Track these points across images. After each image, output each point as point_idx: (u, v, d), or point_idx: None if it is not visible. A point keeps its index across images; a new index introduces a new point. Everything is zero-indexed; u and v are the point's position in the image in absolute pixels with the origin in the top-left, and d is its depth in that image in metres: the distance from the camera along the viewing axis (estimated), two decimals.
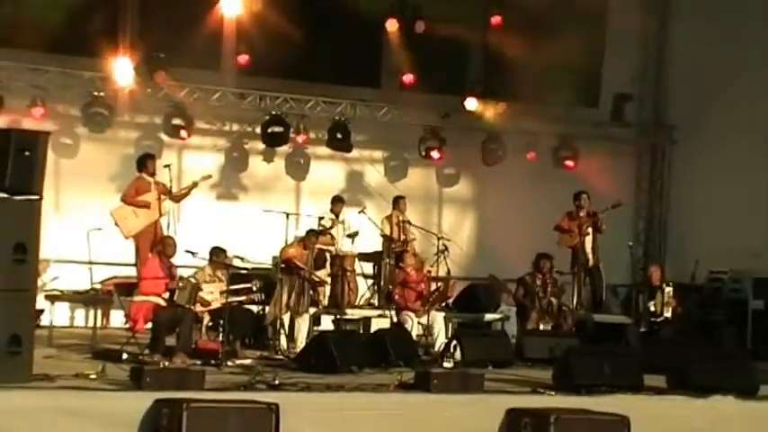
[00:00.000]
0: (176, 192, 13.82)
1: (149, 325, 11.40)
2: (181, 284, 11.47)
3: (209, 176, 14.77)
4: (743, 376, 10.50)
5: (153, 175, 13.64)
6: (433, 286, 14.08)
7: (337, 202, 15.13)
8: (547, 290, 14.14)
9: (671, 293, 14.09)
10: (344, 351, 10.71)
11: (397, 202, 15.50)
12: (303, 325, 12.69)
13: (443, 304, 14.30)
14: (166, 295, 11.48)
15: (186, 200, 14.08)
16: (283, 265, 12.60)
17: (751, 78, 17.10)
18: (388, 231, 15.15)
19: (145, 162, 13.72)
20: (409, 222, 15.35)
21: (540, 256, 14.30)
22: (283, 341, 12.36)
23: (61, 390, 8.41)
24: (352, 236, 14.91)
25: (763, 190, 16.62)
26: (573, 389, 9.78)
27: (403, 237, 15.16)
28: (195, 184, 14.06)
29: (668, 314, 14.00)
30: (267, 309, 12.49)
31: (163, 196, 13.48)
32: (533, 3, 17.18)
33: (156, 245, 12.49)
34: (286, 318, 12.50)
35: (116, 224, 13.29)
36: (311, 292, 12.88)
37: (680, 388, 10.18)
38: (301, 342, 12.42)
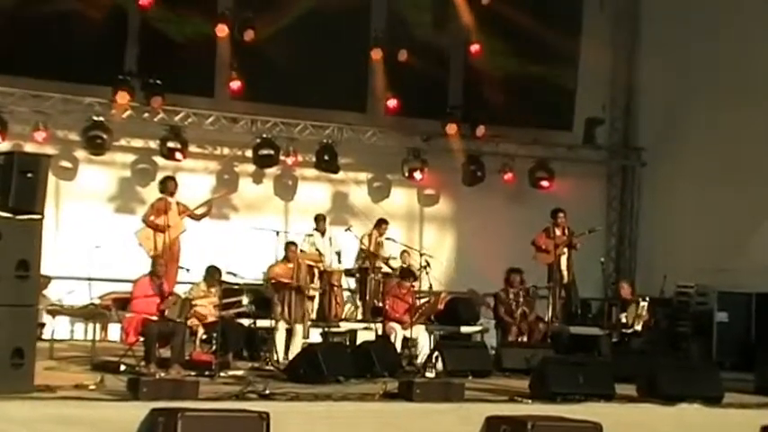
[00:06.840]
0: (195, 210, 13.65)
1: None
2: (171, 299, 11.41)
3: (225, 194, 15.56)
4: (708, 385, 10.51)
5: (173, 195, 13.52)
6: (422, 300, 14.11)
7: (320, 220, 14.95)
8: (519, 301, 14.24)
9: (645, 307, 14.04)
10: (332, 362, 10.68)
11: (379, 224, 15.46)
12: (298, 335, 12.70)
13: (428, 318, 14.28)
14: None
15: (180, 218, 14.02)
16: (272, 283, 12.68)
17: (716, 103, 17.19)
18: (366, 245, 15.11)
19: (166, 184, 13.62)
20: (388, 238, 15.34)
21: (509, 271, 14.39)
22: (281, 351, 12.38)
23: (62, 400, 8.36)
24: (338, 255, 14.93)
25: (726, 208, 16.70)
26: (549, 397, 9.77)
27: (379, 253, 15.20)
28: (210, 202, 13.96)
29: (638, 327, 13.98)
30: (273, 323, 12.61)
31: (183, 215, 13.43)
32: (511, 32, 17.31)
33: (173, 261, 12.48)
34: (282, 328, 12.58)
35: (140, 244, 13.22)
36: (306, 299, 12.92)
37: (649, 396, 10.18)
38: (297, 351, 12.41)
